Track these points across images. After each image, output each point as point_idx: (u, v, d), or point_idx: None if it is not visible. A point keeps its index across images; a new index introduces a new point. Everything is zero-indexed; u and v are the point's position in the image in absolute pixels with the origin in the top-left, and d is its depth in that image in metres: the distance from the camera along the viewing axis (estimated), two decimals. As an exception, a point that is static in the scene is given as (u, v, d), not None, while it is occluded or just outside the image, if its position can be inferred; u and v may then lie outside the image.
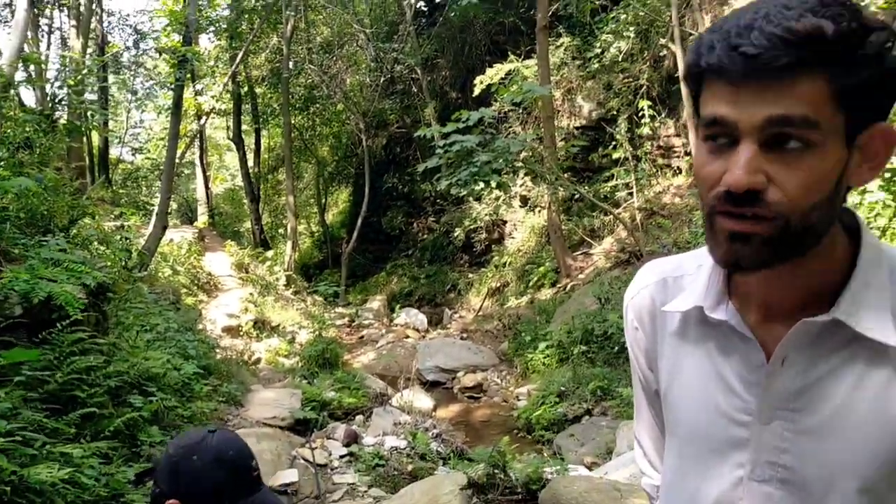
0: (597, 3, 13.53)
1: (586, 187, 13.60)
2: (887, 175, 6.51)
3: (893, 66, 0.86)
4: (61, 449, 4.03)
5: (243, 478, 1.69)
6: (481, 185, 10.27)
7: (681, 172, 13.30)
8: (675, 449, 1.13)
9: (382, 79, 18.09)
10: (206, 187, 21.43)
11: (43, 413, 4.27)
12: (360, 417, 7.94)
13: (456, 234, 16.72)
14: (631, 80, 13.79)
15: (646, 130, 13.11)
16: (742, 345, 1.01)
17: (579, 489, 4.64)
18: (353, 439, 7.10)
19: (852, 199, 6.78)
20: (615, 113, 13.90)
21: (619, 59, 13.75)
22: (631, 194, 13.23)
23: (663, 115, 13.48)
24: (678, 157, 13.47)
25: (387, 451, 6.77)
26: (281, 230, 23.54)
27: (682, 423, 1.10)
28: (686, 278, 1.11)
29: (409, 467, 6.46)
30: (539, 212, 14.91)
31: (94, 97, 16.25)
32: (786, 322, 0.97)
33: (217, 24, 18.32)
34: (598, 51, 14.15)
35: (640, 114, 13.07)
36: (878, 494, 0.93)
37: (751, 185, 0.85)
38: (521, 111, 15.36)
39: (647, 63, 13.53)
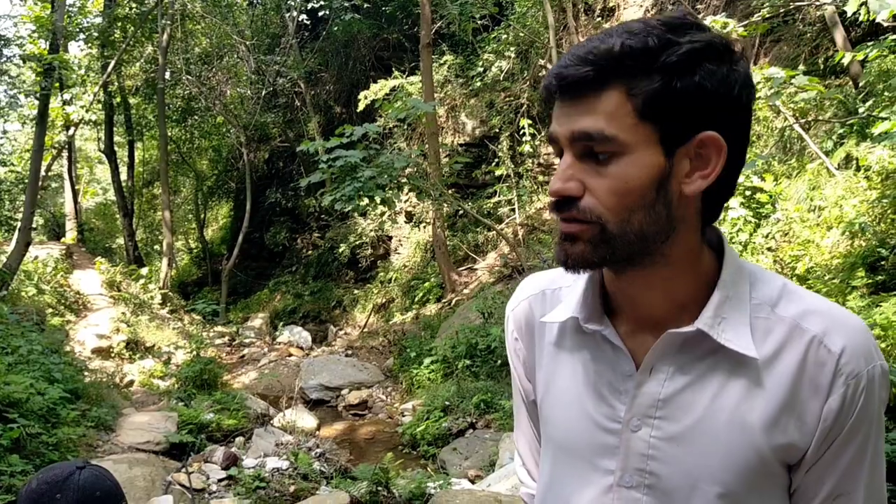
0: (479, 22, 13.78)
1: (470, 203, 13.78)
2: (747, 193, 6.92)
3: (710, 82, 0.91)
4: None
5: None
6: (366, 200, 10.20)
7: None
8: (549, 457, 1.15)
9: (264, 91, 17.74)
10: (75, 202, 20.33)
11: None
12: (240, 439, 7.70)
13: (341, 250, 16.55)
14: (512, 98, 14.11)
15: (527, 148, 13.43)
16: (613, 355, 1.05)
17: (461, 502, 4.66)
18: (232, 462, 6.87)
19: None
20: (497, 131, 14.18)
21: (501, 78, 14.07)
22: (513, 210, 13.50)
23: (543, 134, 13.85)
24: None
25: (268, 472, 6.58)
26: (157, 246, 22.64)
27: (556, 432, 1.13)
28: (563, 290, 1.15)
29: (292, 488, 6.30)
30: (424, 227, 14.99)
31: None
32: (655, 333, 1.02)
33: (88, 32, 17.49)
34: (481, 69, 14.42)
35: (521, 132, 13.38)
36: (738, 499, 0.97)
37: (562, 192, 0.94)
38: (405, 127, 15.43)
39: (528, 83, 13.89)
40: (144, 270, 16.12)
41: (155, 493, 5.95)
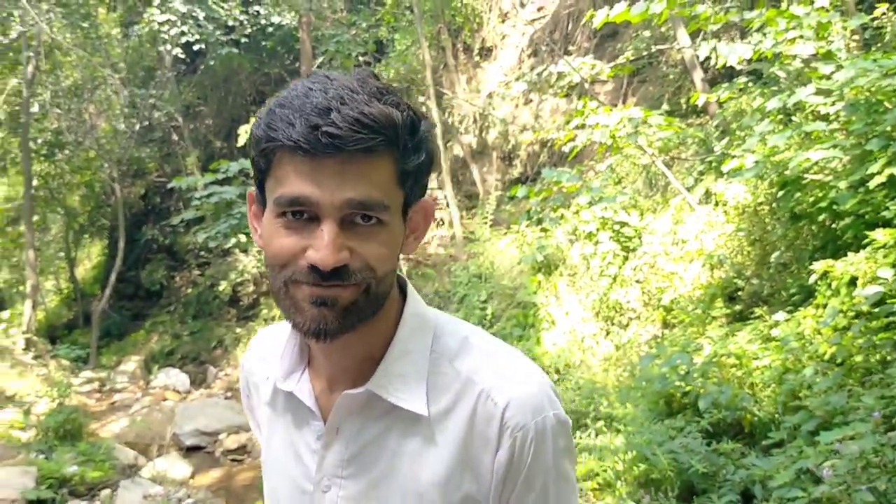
0: (360, 59, 13.83)
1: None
2: (616, 227, 7.17)
3: (431, 152, 0.98)
4: None
5: None
6: (244, 237, 9.94)
7: (444, 224, 13.81)
8: None
9: (139, 125, 17.12)
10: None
11: None
12: (106, 492, 7.26)
13: (222, 288, 16.05)
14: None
15: (410, 184, 13.48)
16: (308, 415, 1.05)
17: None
18: (95, 518, 6.47)
19: (587, 248, 7.37)
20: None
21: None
22: (397, 245, 13.49)
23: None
24: (440, 209, 13.99)
25: (132, 527, 6.23)
26: (22, 288, 21.30)
27: (269, 492, 1.13)
28: (280, 348, 1.12)
29: (159, 543, 5.98)
30: (307, 263, 14.74)
31: None
32: (346, 389, 1.02)
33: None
34: (363, 105, 14.42)
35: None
36: None
37: (338, 263, 0.89)
38: (286, 162, 15.23)
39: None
40: (5, 314, 15.12)
41: (6, 558, 5.53)
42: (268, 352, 1.16)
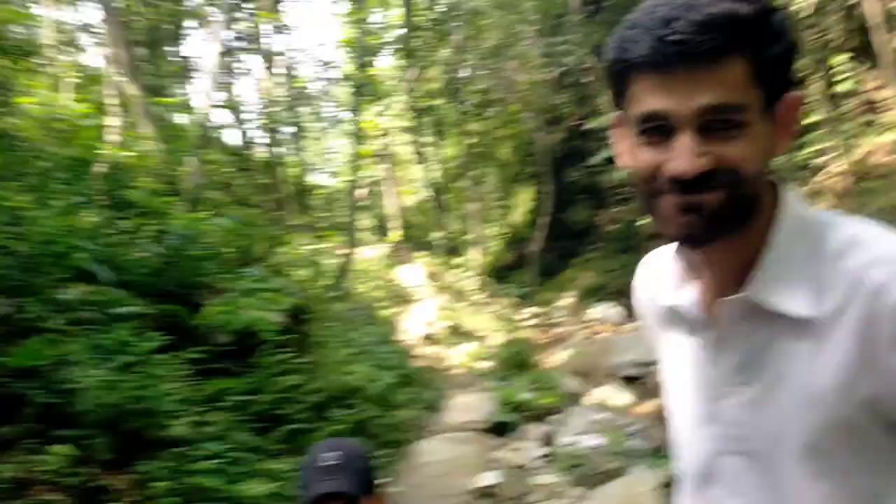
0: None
1: (782, 158, 12.68)
2: None
3: (791, 43, 0.93)
4: (268, 465, 4.37)
5: None
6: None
7: (892, 129, 12.07)
8: (673, 428, 1.20)
9: (554, 73, 17.91)
10: (397, 202, 22.30)
11: (251, 432, 4.65)
12: (555, 417, 7.92)
13: (642, 223, 16.20)
14: (821, 34, 12.69)
15: (845, 86, 12.01)
16: (700, 326, 1.05)
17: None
18: (548, 440, 7.10)
19: None
20: (806, 73, 12.84)
21: (807, 14, 12.69)
22: (828, 162, 12.18)
23: (867, 67, 12.29)
24: (886, 111, 12.23)
25: (583, 450, 6.70)
26: (468, 236, 24.02)
27: (673, 406, 1.17)
28: (665, 268, 1.14)
29: (607, 466, 6.35)
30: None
31: (291, 130, 17.35)
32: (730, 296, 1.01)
33: (392, 45, 19.04)
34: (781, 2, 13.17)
35: (833, 70, 12.00)
36: (825, 456, 0.95)
37: (698, 171, 0.89)
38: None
39: (841, 13, 12.40)
40: (459, 260, 17.18)
41: (479, 469, 6.36)
42: (652, 273, 1.20)
